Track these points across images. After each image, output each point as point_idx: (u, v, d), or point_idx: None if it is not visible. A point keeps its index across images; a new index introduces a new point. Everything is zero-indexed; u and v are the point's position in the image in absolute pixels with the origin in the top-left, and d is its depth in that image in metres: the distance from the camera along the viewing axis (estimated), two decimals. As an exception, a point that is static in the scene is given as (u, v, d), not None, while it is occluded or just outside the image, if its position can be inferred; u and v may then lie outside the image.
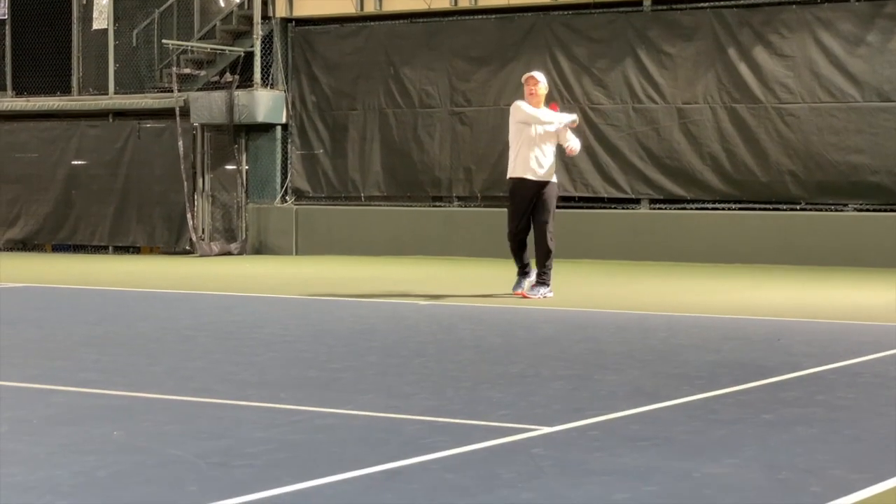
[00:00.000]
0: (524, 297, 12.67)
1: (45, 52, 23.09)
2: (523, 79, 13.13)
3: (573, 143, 12.93)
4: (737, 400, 6.91)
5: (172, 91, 21.23)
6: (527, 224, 12.85)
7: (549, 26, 19.48)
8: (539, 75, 13.09)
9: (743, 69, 18.25)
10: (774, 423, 6.24)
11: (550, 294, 12.70)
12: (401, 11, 20.45)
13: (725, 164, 18.38)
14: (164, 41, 21.67)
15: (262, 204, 21.27)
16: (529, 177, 12.74)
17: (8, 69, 23.45)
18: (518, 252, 12.91)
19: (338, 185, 20.99)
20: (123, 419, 6.33)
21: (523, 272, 12.92)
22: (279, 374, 7.91)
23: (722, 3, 18.48)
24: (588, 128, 18.96)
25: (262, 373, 7.94)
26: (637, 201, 19.01)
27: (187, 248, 21.31)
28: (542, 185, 12.78)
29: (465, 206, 20.10)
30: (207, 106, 20.90)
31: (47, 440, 5.82)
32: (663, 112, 18.77)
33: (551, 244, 12.72)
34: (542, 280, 12.77)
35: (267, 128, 21.19)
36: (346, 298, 12.96)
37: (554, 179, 12.93)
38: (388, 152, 20.60)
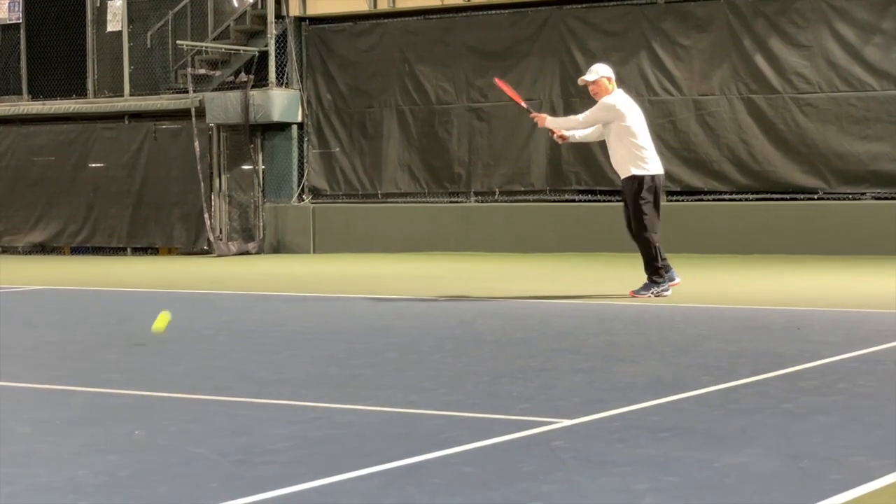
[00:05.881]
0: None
1: (59, 55, 23.15)
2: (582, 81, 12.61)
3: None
4: (756, 390, 6.91)
5: (188, 92, 21.29)
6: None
7: (562, 20, 19.46)
8: (591, 74, 12.40)
9: (759, 60, 18.21)
10: (794, 412, 6.24)
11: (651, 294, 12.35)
12: (414, 8, 20.45)
13: (743, 154, 18.35)
14: (178, 42, 21.72)
15: (279, 203, 21.29)
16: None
17: (23, 73, 23.52)
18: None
19: (355, 183, 21.01)
20: (145, 419, 6.35)
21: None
22: (299, 372, 7.93)
23: (736, -7, 18.45)
24: (604, 121, 18.92)
25: (281, 371, 7.96)
26: (654, 193, 18.94)
27: (205, 248, 21.36)
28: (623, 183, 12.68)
29: (484, 202, 20.09)
30: (223, 106, 20.94)
31: (69, 441, 5.84)
32: (679, 104, 18.74)
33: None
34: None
35: (283, 127, 21.22)
36: (365, 295, 12.98)
37: (628, 174, 12.68)
38: (405, 149, 20.61)
